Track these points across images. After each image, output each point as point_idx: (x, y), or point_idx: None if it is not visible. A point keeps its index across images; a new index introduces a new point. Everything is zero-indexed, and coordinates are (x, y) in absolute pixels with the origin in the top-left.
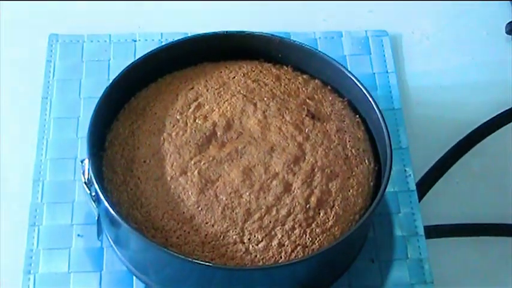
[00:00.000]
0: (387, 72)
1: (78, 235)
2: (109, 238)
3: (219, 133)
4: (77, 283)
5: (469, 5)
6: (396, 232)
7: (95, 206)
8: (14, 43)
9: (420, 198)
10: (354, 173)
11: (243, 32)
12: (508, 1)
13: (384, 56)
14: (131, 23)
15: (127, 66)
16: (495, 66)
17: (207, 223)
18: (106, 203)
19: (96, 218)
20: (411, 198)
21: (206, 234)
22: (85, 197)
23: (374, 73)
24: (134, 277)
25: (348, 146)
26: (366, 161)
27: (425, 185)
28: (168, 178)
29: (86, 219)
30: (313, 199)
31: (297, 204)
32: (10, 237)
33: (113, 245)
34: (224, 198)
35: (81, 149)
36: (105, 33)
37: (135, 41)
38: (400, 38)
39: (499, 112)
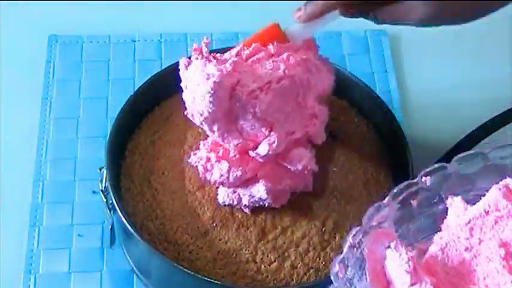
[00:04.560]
0: (386, 71)
1: (79, 235)
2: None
3: None
4: (78, 283)
5: None
6: None
7: (109, 215)
8: (14, 43)
9: None
10: (372, 198)
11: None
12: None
13: (383, 55)
14: (131, 23)
15: (153, 75)
16: (495, 66)
17: (220, 240)
18: (121, 214)
19: (110, 227)
20: None
21: (219, 251)
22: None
23: (373, 72)
24: (135, 277)
25: (368, 171)
26: (386, 186)
27: None
28: (185, 191)
29: (86, 219)
30: (329, 222)
31: (313, 226)
32: (10, 237)
33: (122, 244)
34: (240, 216)
35: (81, 149)
36: (105, 34)
37: (134, 41)
38: (399, 38)
39: (499, 112)
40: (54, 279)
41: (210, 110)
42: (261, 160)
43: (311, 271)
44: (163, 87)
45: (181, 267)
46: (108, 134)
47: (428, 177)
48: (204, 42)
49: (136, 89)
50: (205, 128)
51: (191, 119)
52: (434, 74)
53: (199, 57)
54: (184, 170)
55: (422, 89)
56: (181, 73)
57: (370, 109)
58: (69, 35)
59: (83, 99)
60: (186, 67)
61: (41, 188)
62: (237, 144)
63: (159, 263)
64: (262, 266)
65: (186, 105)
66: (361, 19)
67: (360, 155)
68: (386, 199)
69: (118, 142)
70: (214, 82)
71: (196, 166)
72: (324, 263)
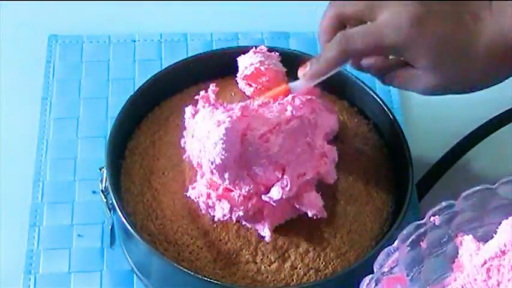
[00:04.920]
0: None
1: (79, 235)
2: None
3: None
4: (78, 283)
5: None
6: None
7: (109, 215)
8: (14, 43)
9: (420, 198)
10: (372, 198)
11: (273, 48)
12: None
13: None
14: (131, 23)
15: (153, 75)
16: None
17: (220, 240)
18: (121, 214)
19: (110, 227)
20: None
21: (219, 252)
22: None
23: None
24: (135, 277)
25: (368, 171)
26: (386, 186)
27: (425, 185)
28: (186, 192)
29: (86, 219)
30: (329, 222)
31: (313, 227)
32: (10, 237)
33: (122, 244)
34: None
35: (81, 149)
36: (105, 34)
37: (134, 41)
38: None
39: (499, 112)
40: (54, 279)
41: (222, 157)
42: (273, 204)
43: (311, 271)
44: (163, 87)
45: (181, 268)
46: (108, 134)
47: (437, 217)
48: (212, 90)
49: (136, 89)
50: (215, 177)
51: (196, 167)
52: None
53: (206, 105)
54: (184, 171)
55: None
56: (186, 122)
57: (370, 109)
58: (69, 35)
59: (83, 99)
60: (193, 116)
61: (41, 188)
62: (249, 190)
63: (159, 263)
64: (262, 267)
65: (192, 154)
66: None
67: (360, 155)
68: (396, 243)
69: (118, 142)
70: (226, 128)
71: (198, 202)
72: (324, 263)
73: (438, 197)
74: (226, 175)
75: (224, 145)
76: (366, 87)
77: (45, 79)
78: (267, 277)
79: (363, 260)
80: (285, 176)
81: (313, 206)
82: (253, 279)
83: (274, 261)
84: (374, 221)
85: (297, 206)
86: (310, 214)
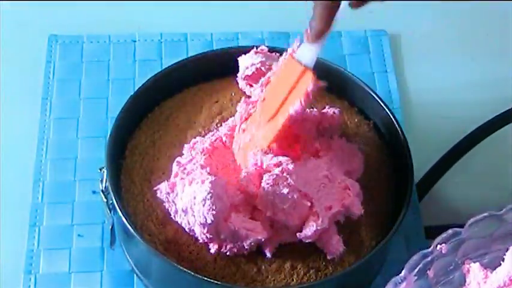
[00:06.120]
0: (386, 71)
1: (79, 235)
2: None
3: None
4: (78, 283)
5: (468, 5)
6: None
7: (110, 215)
8: (14, 43)
9: (420, 198)
10: (372, 198)
11: (274, 47)
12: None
13: (383, 55)
14: (131, 23)
15: (154, 75)
16: (495, 66)
17: None
18: (121, 214)
19: (110, 227)
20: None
21: (219, 251)
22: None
23: (373, 72)
24: (135, 277)
25: (369, 171)
26: (386, 186)
27: (425, 185)
28: None
29: (86, 219)
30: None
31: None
32: (11, 237)
33: (122, 244)
34: None
35: (81, 149)
36: (105, 34)
37: (134, 41)
38: (399, 38)
39: (499, 112)
40: (54, 279)
41: (213, 212)
42: (309, 240)
43: (311, 271)
44: (163, 87)
45: (181, 268)
46: (108, 134)
47: (444, 245)
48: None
49: (136, 89)
50: (213, 243)
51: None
52: (434, 73)
53: (184, 174)
54: None
55: (423, 89)
56: (167, 198)
57: (370, 109)
58: (69, 35)
59: (83, 99)
60: (172, 190)
61: (41, 188)
62: (250, 243)
63: (159, 263)
64: (263, 266)
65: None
66: (361, 19)
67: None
68: (403, 272)
69: (118, 142)
70: (211, 181)
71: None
72: (324, 263)
73: (438, 197)
74: (222, 236)
75: (213, 199)
76: (366, 87)
77: (45, 79)
78: (267, 277)
79: (362, 260)
80: (314, 209)
81: (334, 250)
82: (253, 279)
83: (274, 261)
84: (374, 221)
85: (318, 246)
86: (329, 257)
